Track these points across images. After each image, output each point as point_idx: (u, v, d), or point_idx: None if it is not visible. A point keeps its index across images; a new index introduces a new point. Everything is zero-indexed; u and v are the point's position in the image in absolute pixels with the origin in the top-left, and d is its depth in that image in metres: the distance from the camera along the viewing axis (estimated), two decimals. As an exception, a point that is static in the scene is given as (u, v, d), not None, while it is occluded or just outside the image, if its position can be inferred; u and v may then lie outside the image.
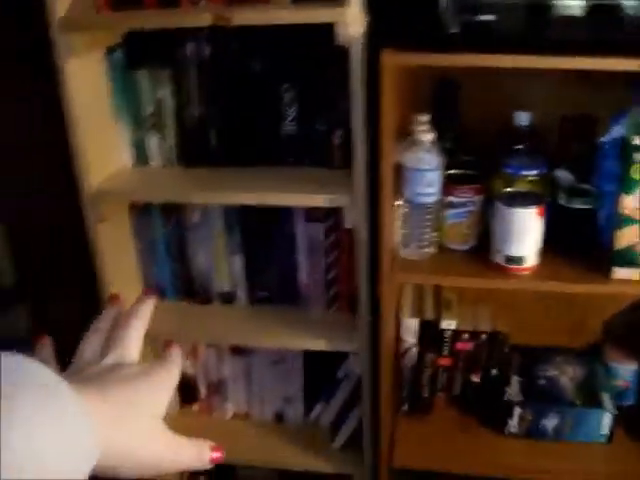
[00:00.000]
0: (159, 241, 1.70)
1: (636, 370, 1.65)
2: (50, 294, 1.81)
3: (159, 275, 1.74)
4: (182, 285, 1.74)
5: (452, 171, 1.40)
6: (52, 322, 1.79)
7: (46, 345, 0.60)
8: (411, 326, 1.59)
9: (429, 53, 1.19)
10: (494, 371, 1.65)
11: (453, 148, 1.46)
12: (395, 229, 1.42)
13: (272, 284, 1.69)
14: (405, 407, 1.69)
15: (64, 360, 0.57)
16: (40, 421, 0.41)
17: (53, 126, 1.49)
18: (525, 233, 1.31)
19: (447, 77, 1.49)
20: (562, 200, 1.38)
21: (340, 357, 1.72)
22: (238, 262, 1.67)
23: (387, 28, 1.31)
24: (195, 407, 1.91)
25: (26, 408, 0.41)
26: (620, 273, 1.31)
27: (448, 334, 1.62)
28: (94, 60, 1.51)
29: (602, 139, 1.33)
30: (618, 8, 1.13)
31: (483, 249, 1.40)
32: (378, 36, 1.32)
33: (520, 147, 1.42)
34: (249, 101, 1.53)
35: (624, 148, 1.25)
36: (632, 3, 1.12)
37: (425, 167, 1.33)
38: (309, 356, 1.75)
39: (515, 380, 1.64)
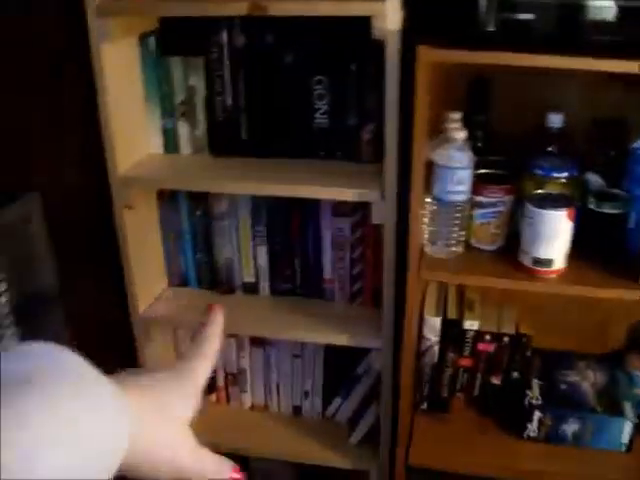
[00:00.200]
0: (185, 230, 1.70)
1: (659, 380, 1.64)
2: (77, 281, 1.82)
3: (184, 263, 1.75)
4: (206, 274, 1.75)
5: (482, 170, 1.40)
6: (77, 307, 1.81)
7: None
8: (434, 324, 1.58)
9: (465, 50, 1.19)
10: (515, 374, 1.64)
11: (483, 147, 1.45)
12: (422, 226, 1.41)
13: (296, 277, 1.69)
14: (424, 406, 1.68)
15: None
16: (74, 407, 0.42)
17: (86, 111, 1.51)
18: (554, 236, 1.30)
19: (480, 75, 1.48)
20: (592, 204, 1.36)
21: (360, 352, 1.72)
22: (263, 253, 1.67)
23: (423, 24, 1.30)
24: (212, 397, 1.92)
25: (63, 396, 0.41)
26: (648, 279, 1.30)
27: (470, 334, 1.61)
28: (128, 45, 1.52)
29: (634, 145, 1.32)
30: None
31: (511, 250, 1.39)
32: (413, 31, 1.31)
33: (551, 149, 1.41)
34: (281, 92, 1.53)
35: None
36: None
37: (456, 165, 1.33)
38: (329, 350, 1.75)
39: (536, 384, 1.63)
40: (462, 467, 1.56)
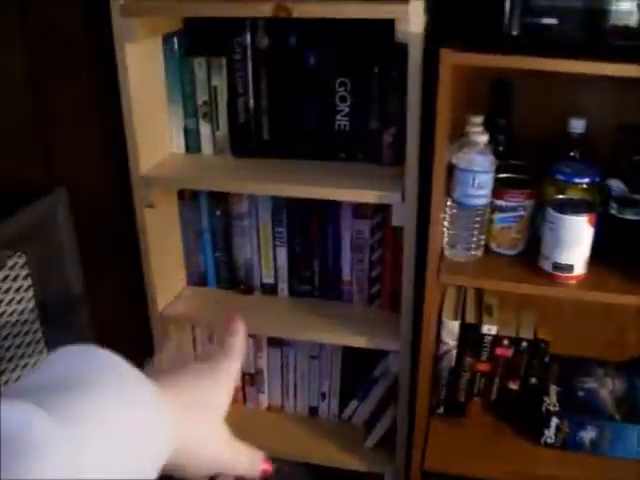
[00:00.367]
0: (205, 229, 1.71)
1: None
2: (99, 279, 1.83)
3: (203, 263, 1.76)
4: (225, 274, 1.75)
5: (503, 174, 1.39)
6: (99, 306, 1.83)
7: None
8: (452, 328, 1.58)
9: (489, 54, 1.19)
10: (533, 379, 1.63)
11: (504, 151, 1.45)
12: (442, 230, 1.41)
13: (315, 278, 1.70)
14: (440, 410, 1.68)
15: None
16: (117, 407, 0.43)
17: (109, 110, 1.52)
18: (575, 241, 1.29)
19: (502, 79, 1.48)
20: (613, 210, 1.36)
21: (377, 355, 1.71)
22: (282, 254, 1.68)
23: (446, 27, 1.31)
24: (229, 397, 1.92)
25: (107, 396, 0.42)
26: (669, 287, 1.29)
27: (488, 339, 1.60)
28: (152, 45, 1.53)
29: (659, 151, 1.32)
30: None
31: (531, 255, 1.39)
32: (436, 35, 1.32)
33: (573, 154, 1.40)
34: (303, 94, 1.53)
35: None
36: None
37: (477, 169, 1.32)
38: (347, 352, 1.75)
39: (554, 390, 1.62)
40: (478, 472, 1.55)
